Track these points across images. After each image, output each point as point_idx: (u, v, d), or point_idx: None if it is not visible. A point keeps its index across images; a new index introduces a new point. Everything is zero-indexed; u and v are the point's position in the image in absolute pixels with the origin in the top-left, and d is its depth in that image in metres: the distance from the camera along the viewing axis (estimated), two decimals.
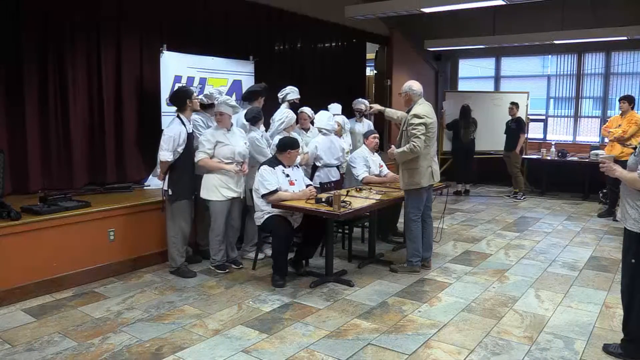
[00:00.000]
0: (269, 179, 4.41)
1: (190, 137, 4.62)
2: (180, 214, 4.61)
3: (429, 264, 4.92)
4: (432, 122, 4.56)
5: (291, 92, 5.76)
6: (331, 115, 5.69)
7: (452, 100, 9.62)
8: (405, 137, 4.58)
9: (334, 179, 5.61)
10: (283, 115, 5.20)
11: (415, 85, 4.69)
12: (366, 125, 6.80)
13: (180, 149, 4.51)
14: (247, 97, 5.44)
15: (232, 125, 4.72)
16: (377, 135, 5.70)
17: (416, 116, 4.51)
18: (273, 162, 4.56)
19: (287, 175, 4.58)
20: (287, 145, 4.58)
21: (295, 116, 5.24)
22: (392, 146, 4.71)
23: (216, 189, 4.63)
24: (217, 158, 4.61)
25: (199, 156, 4.60)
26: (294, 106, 5.75)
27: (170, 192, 4.54)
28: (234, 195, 4.69)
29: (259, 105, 5.39)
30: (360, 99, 7.08)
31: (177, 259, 4.67)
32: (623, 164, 3.12)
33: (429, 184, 4.67)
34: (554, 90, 10.23)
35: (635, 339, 3.14)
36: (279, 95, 5.79)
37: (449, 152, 9.44)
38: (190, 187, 4.70)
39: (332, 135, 5.63)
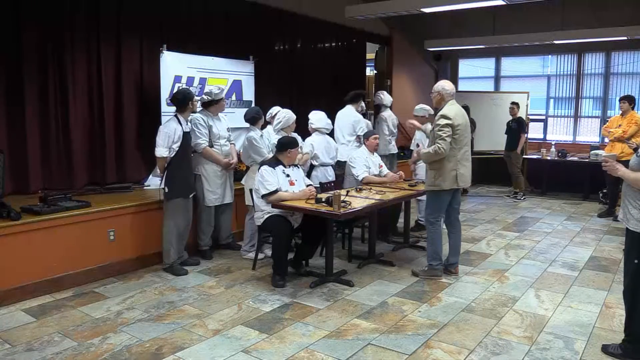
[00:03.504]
0: (269, 179, 4.41)
1: (187, 136, 4.66)
2: (176, 212, 4.65)
3: (455, 270, 4.71)
4: (460, 124, 4.36)
5: (388, 96, 6.74)
6: (325, 115, 5.71)
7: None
8: (432, 138, 4.45)
9: (330, 178, 5.64)
10: (281, 115, 5.21)
11: (447, 85, 4.51)
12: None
13: (175, 147, 4.55)
14: (352, 98, 6.10)
15: None
16: (377, 136, 5.70)
17: (443, 117, 4.34)
18: (273, 162, 4.56)
19: (288, 175, 4.58)
20: (287, 145, 4.58)
21: (294, 116, 5.24)
22: (420, 146, 4.62)
23: None
24: None
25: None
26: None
27: (166, 190, 4.57)
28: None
29: (359, 108, 6.09)
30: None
31: (170, 256, 4.69)
32: (624, 164, 3.08)
33: (452, 188, 4.46)
34: (554, 90, 10.23)
35: (637, 340, 3.12)
36: (383, 103, 6.71)
37: None
38: (187, 186, 4.74)
39: (327, 135, 5.67)
